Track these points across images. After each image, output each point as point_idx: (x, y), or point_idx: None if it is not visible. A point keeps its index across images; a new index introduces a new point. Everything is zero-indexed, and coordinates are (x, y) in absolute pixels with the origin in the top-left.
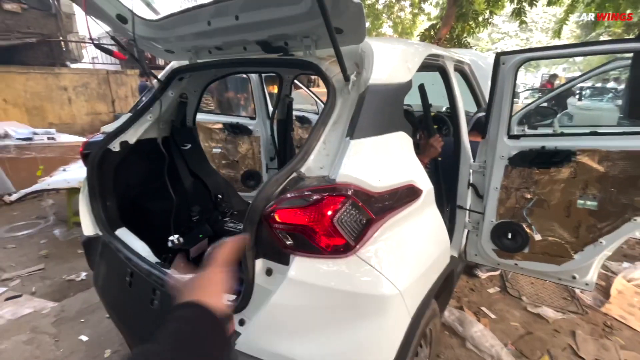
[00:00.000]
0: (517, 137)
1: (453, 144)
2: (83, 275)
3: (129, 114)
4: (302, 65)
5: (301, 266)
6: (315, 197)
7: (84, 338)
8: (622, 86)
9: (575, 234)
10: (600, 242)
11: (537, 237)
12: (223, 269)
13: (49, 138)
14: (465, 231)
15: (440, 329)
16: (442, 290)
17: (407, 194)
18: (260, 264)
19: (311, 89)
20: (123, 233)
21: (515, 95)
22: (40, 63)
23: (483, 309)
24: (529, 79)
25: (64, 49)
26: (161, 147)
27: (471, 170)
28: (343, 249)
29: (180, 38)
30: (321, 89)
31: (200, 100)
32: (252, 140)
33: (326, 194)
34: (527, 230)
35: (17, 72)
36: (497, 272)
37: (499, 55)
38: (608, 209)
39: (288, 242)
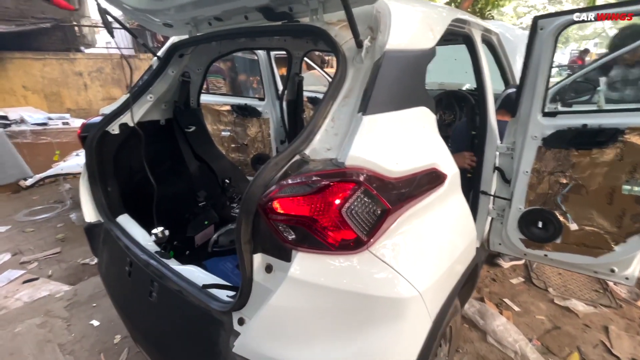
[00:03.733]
0: (553, 114)
1: (467, 124)
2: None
3: (127, 95)
4: (309, 31)
5: (304, 263)
6: (320, 184)
7: (95, 323)
8: None
9: (618, 224)
10: None
11: (573, 226)
12: None
13: (63, 123)
14: (489, 219)
15: (460, 323)
16: (465, 284)
17: (429, 180)
18: (259, 260)
19: (325, 69)
20: (124, 220)
21: (552, 68)
22: (55, 49)
23: (505, 300)
24: (560, 55)
25: (78, 34)
26: (137, 129)
27: (497, 153)
28: (353, 244)
29: (178, 9)
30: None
31: (204, 80)
32: (262, 122)
33: (333, 179)
34: (561, 218)
35: (34, 58)
36: (521, 262)
37: (536, 19)
38: None
39: (289, 236)
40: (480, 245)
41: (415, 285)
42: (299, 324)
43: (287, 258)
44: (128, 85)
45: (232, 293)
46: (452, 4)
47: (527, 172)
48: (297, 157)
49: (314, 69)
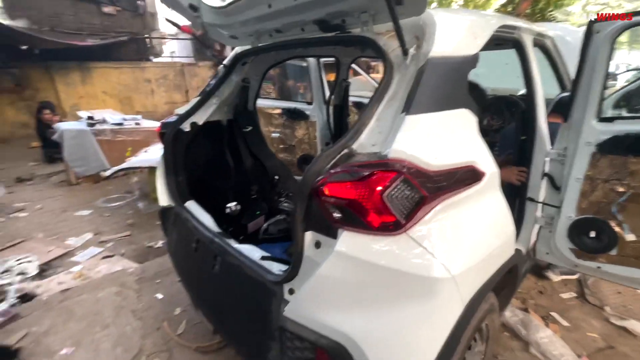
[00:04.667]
0: (609, 119)
1: (514, 129)
2: (160, 243)
3: (198, 97)
4: (359, 41)
5: (348, 241)
6: (365, 172)
7: (159, 296)
8: None
9: None
10: None
11: (630, 237)
12: None
13: (135, 123)
14: (537, 226)
15: (499, 328)
16: (504, 286)
17: (466, 176)
18: (309, 237)
19: (370, 75)
20: (191, 205)
21: (609, 73)
22: (129, 58)
23: (553, 314)
24: (635, 57)
25: (149, 45)
26: (223, 124)
27: (547, 159)
28: (392, 227)
29: (243, 23)
30: (381, 76)
31: (260, 85)
32: (309, 125)
33: (377, 169)
34: (616, 228)
35: (113, 67)
36: (575, 276)
37: (592, 23)
38: None
39: (336, 216)
40: (526, 252)
41: (449, 268)
42: (341, 293)
43: (334, 235)
44: (187, 90)
45: (284, 267)
46: (510, 6)
47: (579, 179)
48: (346, 150)
49: (361, 75)
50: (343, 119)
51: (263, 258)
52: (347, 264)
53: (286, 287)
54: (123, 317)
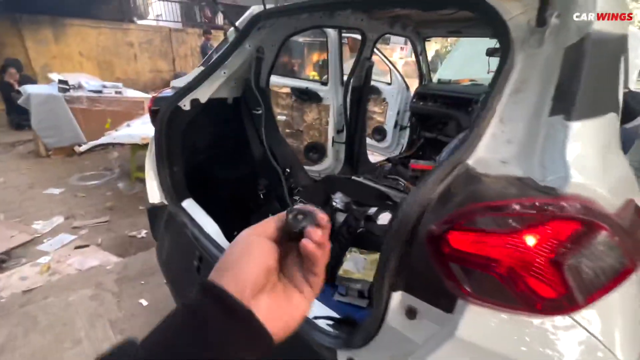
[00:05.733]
0: None
1: None
2: (143, 232)
3: (201, 68)
4: (464, 3)
5: (479, 321)
6: (531, 219)
7: (144, 302)
8: None
9: None
10: None
11: None
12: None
13: (116, 92)
14: None
15: None
16: None
17: (635, 221)
18: (398, 299)
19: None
20: (190, 205)
21: None
22: (110, 18)
23: None
24: None
25: (132, 5)
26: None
27: None
28: (566, 304)
29: None
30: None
31: (277, 58)
32: (321, 109)
33: (551, 213)
34: None
35: (91, 26)
36: None
37: None
38: None
39: (464, 284)
40: None
41: None
42: None
43: (447, 308)
44: (174, 59)
45: (330, 322)
46: None
47: None
48: (460, 168)
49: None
50: (362, 104)
51: (316, 318)
52: (472, 355)
53: (343, 355)
54: (99, 329)
